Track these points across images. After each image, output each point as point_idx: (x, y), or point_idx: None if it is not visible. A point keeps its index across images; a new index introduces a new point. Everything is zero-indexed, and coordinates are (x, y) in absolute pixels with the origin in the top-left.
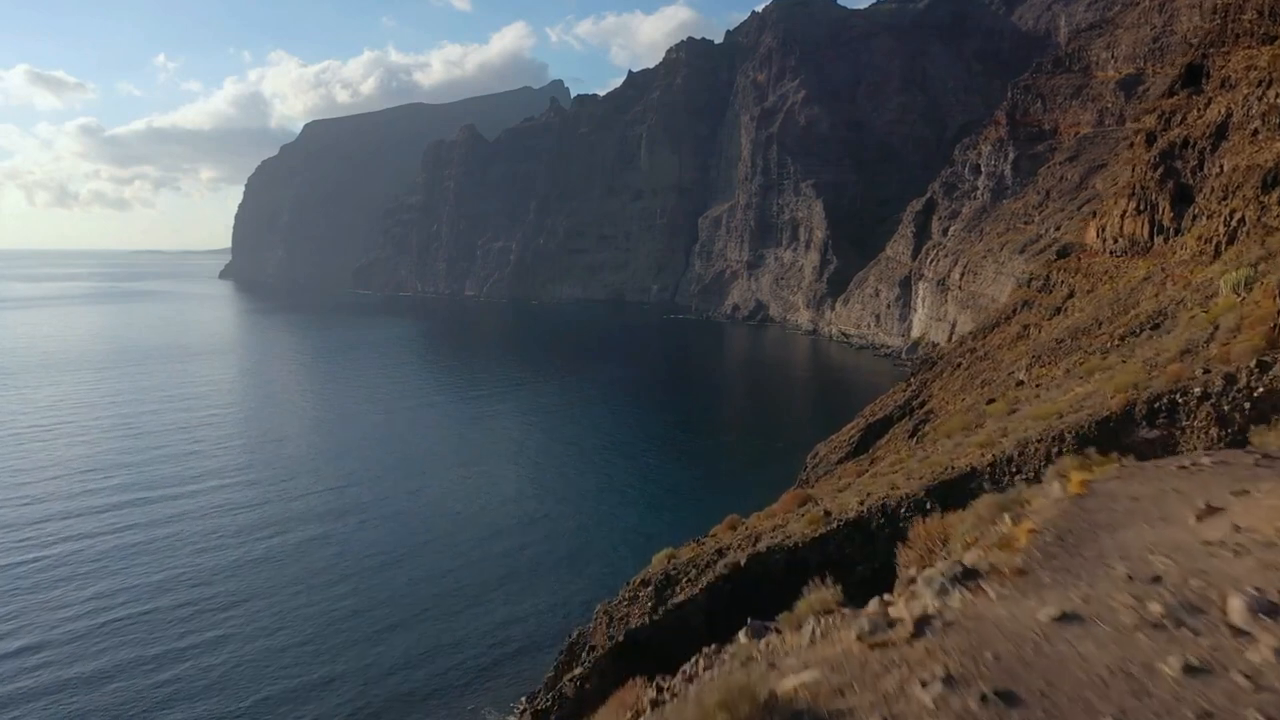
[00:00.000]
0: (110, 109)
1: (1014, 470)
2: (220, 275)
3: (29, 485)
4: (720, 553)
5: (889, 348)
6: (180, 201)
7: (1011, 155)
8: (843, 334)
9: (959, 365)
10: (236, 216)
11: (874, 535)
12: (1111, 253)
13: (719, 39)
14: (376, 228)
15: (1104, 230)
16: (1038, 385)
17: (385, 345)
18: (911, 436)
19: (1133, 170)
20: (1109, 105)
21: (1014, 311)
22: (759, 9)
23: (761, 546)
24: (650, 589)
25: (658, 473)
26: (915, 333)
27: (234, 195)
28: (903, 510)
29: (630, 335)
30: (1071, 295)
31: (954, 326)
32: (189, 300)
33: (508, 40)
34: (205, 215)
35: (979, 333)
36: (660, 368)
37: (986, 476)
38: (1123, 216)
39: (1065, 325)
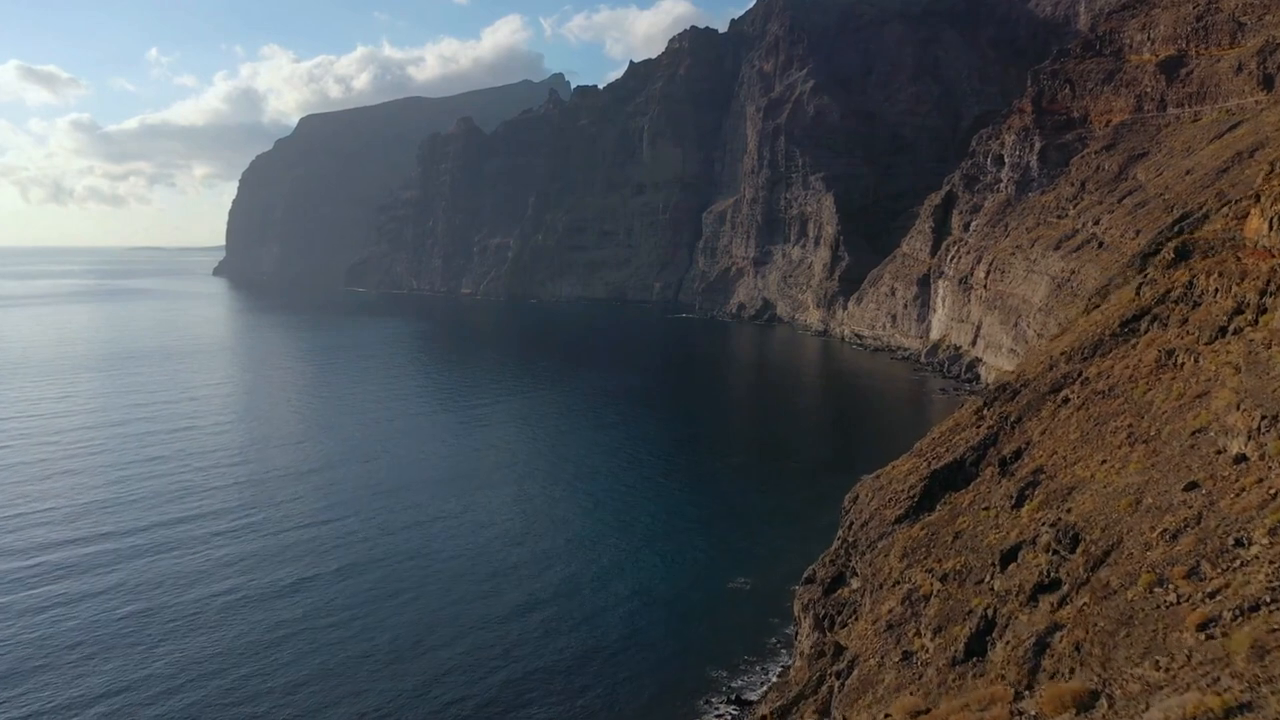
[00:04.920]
0: (104, 105)
1: None
2: (214, 272)
3: None
4: None
5: (907, 350)
6: (176, 198)
7: (1038, 145)
8: (856, 335)
9: (1065, 400)
10: (230, 212)
11: None
12: None
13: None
14: (372, 224)
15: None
16: None
17: (378, 347)
18: (1016, 506)
19: None
20: (1148, 90)
21: (1131, 326)
22: None
23: None
24: None
25: (666, 501)
26: (935, 334)
27: (230, 191)
28: None
29: (632, 336)
30: (1243, 310)
31: (978, 328)
32: (180, 299)
33: (502, 35)
34: (204, 212)
35: (1077, 353)
36: (664, 372)
37: None
38: None
39: None
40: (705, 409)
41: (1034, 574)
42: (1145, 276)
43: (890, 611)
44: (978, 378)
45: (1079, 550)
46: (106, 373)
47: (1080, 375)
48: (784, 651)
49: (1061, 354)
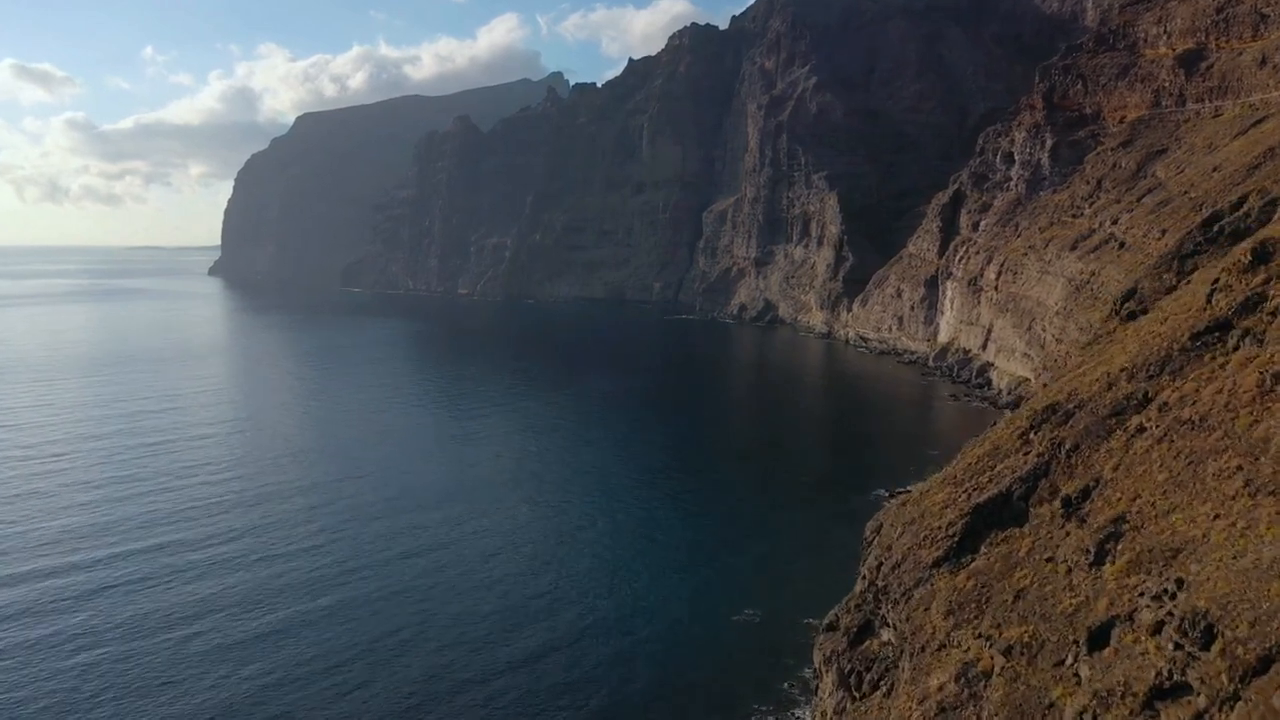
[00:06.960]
0: (99, 104)
1: None
2: (209, 272)
3: None
4: None
5: (914, 353)
6: (173, 197)
7: (1049, 142)
8: (860, 337)
9: (1139, 429)
10: (226, 211)
11: None
12: None
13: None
14: (367, 223)
15: None
16: None
17: (374, 349)
18: (1096, 564)
19: None
20: (1165, 85)
21: (1206, 340)
22: None
23: None
24: None
25: (666, 516)
26: (943, 337)
27: (226, 190)
28: None
29: (632, 338)
30: None
31: (989, 331)
32: (174, 299)
33: (498, 33)
34: (201, 211)
35: (1140, 370)
36: (664, 375)
37: None
38: None
39: None
40: (707, 414)
41: (1146, 670)
42: (1216, 282)
43: (941, 689)
44: (989, 383)
45: (1215, 648)
46: (92, 377)
47: (1149, 397)
48: (801, 700)
49: (1122, 370)
